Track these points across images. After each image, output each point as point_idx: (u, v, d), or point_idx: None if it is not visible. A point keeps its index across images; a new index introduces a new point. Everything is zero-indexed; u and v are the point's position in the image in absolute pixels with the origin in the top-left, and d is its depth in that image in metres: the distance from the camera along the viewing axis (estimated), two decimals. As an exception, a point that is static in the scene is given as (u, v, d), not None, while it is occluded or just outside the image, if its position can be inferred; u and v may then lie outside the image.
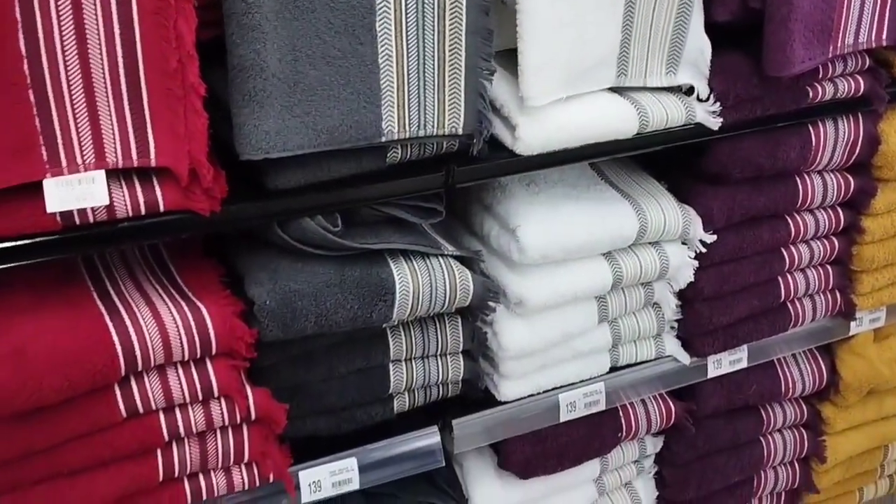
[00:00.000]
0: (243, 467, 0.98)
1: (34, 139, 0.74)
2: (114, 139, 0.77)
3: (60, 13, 0.71)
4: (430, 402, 1.11)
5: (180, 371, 0.90)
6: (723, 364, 1.29)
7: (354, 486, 1.07)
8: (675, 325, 1.22)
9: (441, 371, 1.08)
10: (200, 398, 0.91)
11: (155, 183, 0.81)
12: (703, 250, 1.16)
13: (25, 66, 0.71)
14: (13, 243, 0.76)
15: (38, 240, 0.77)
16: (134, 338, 0.85)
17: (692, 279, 1.16)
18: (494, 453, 1.24)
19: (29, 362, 0.80)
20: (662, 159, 1.17)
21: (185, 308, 0.89)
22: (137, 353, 0.85)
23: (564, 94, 0.96)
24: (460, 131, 0.90)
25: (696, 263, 1.16)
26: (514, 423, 1.14)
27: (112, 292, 0.90)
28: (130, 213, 0.80)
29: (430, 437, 1.10)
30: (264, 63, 0.78)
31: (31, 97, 0.72)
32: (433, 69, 0.86)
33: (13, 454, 0.84)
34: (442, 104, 0.88)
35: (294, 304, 0.91)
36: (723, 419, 1.36)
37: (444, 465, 1.12)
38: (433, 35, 0.85)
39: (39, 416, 0.83)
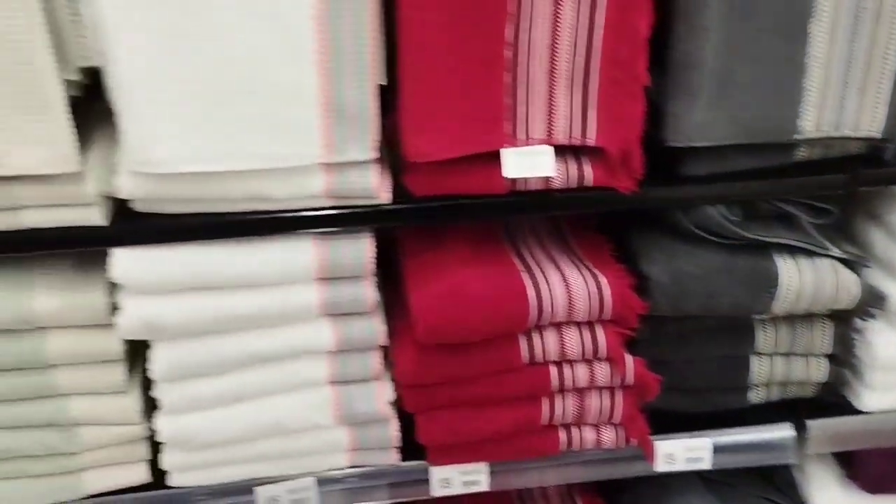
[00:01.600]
0: (612, 427, 1.07)
1: (501, 115, 0.87)
2: (563, 119, 0.89)
3: (542, 8, 0.84)
4: (785, 398, 1.14)
5: (575, 330, 1.01)
6: None
7: (706, 465, 1.12)
8: None
9: (803, 371, 1.10)
10: (587, 357, 1.02)
11: (586, 160, 0.92)
12: None
13: (506, 52, 0.84)
14: (471, 201, 0.91)
15: (490, 201, 0.91)
16: (545, 294, 0.97)
17: None
18: (839, 463, 1.23)
19: (465, 301, 0.94)
20: None
21: (587, 275, 0.99)
22: (547, 307, 0.97)
23: None
24: (878, 135, 0.93)
25: None
26: (874, 434, 1.13)
27: (525, 255, 1.03)
28: (564, 185, 0.92)
29: (783, 432, 1.13)
30: (704, 59, 0.86)
31: (506, 79, 0.86)
32: (860, 73, 0.89)
33: (435, 380, 1.00)
34: (863, 107, 0.91)
35: (685, 284, 0.99)
36: None
37: (795, 462, 1.14)
38: (866, 40, 0.88)
39: (461, 349, 0.98)
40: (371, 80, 0.82)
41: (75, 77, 0.82)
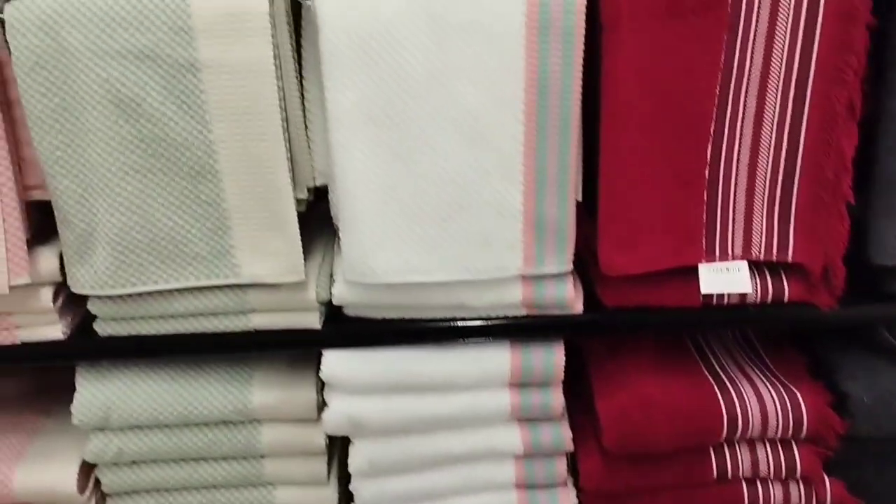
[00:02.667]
0: (806, 551, 1.03)
1: (699, 231, 0.89)
2: (760, 235, 0.89)
3: (745, 129, 0.86)
4: None
5: (768, 447, 0.98)
6: None
7: None
8: None
9: None
10: (782, 476, 0.99)
11: (783, 275, 0.91)
12: None
13: (706, 171, 0.87)
14: (664, 313, 0.92)
15: (684, 314, 0.92)
16: (737, 408, 0.96)
17: None
18: None
19: (654, 412, 0.95)
20: None
21: (781, 390, 0.98)
22: (738, 422, 0.95)
23: None
24: None
25: None
26: None
27: (715, 366, 1.03)
28: (758, 300, 0.91)
29: None
30: (911, 178, 0.85)
31: (705, 196, 0.88)
32: None
33: (620, 489, 0.99)
34: None
35: (889, 403, 0.95)
36: None
37: None
38: None
39: (648, 460, 0.97)
40: (571, 197, 0.87)
41: (304, 196, 0.91)
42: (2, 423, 1.06)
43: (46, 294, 0.92)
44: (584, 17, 0.79)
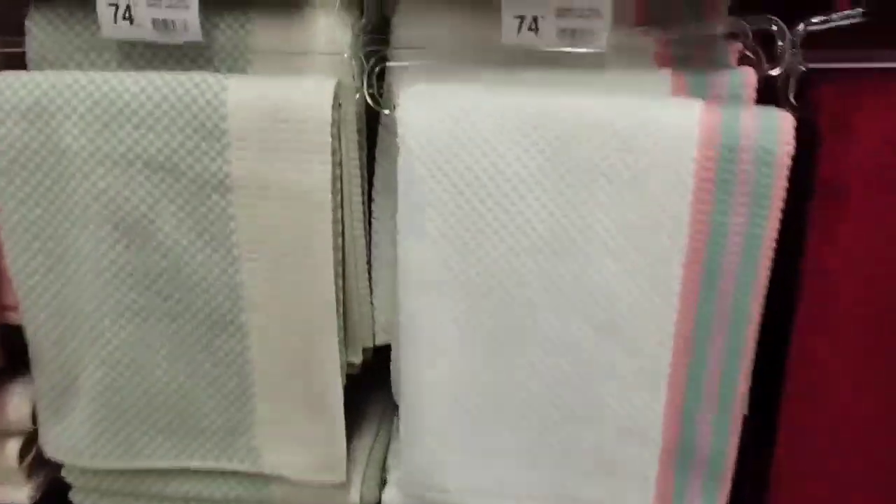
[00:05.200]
0: None
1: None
2: None
3: None
4: None
5: None
6: None
7: None
8: None
9: None
10: None
11: None
12: None
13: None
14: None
15: None
16: None
17: None
18: None
19: None
20: None
21: None
22: None
23: None
24: None
25: None
26: None
27: None
28: None
29: None
30: None
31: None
32: None
33: None
34: None
35: None
36: None
37: None
38: None
39: None
40: (735, 417, 0.60)
41: (357, 360, 0.67)
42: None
43: (12, 448, 0.71)
44: (786, 172, 0.53)
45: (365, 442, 0.72)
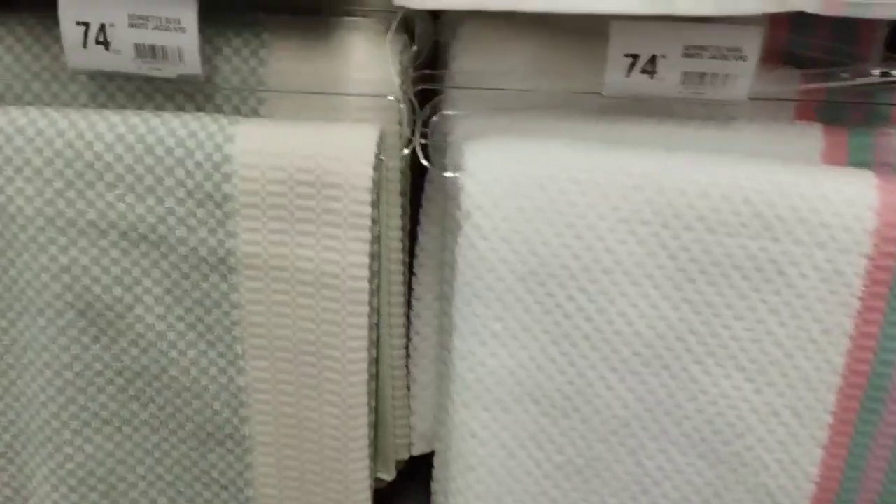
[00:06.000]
0: None
1: None
2: None
3: None
4: None
5: None
6: None
7: None
8: None
9: None
10: None
11: None
12: None
13: None
14: None
15: None
16: None
17: None
18: None
19: None
20: None
21: None
22: None
23: None
24: None
25: None
26: None
27: None
28: None
29: None
30: None
31: None
32: None
33: None
34: None
35: None
36: None
37: None
38: None
39: None
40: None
41: (389, 478, 0.53)
42: None
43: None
44: None
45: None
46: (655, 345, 0.43)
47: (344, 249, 0.43)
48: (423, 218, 0.50)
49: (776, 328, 0.41)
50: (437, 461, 0.52)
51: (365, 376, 0.45)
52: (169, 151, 0.43)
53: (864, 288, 0.40)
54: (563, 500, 0.46)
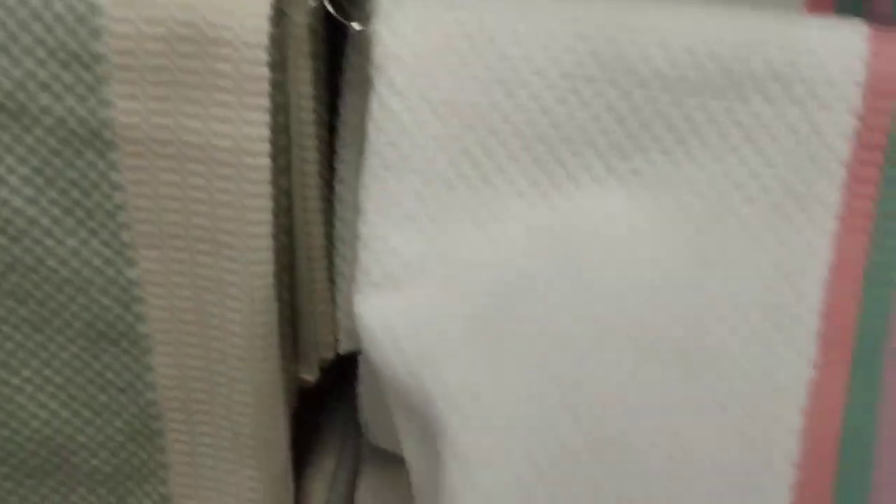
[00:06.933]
0: None
1: None
2: None
3: None
4: None
5: None
6: None
7: None
8: None
9: None
10: None
11: None
12: None
13: None
14: None
15: None
16: None
17: None
18: None
19: None
20: None
21: None
22: None
23: None
24: None
25: None
26: None
27: None
28: None
29: None
30: None
31: None
32: None
33: None
34: None
35: None
36: None
37: None
38: None
39: None
40: None
41: (311, 377, 0.48)
42: None
43: None
44: None
45: (324, 469, 0.54)
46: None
47: (238, 119, 0.37)
48: (344, 87, 0.43)
49: (742, 206, 0.36)
50: (361, 362, 0.47)
51: (270, 266, 0.39)
52: (23, 2, 0.35)
53: (851, 153, 0.34)
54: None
